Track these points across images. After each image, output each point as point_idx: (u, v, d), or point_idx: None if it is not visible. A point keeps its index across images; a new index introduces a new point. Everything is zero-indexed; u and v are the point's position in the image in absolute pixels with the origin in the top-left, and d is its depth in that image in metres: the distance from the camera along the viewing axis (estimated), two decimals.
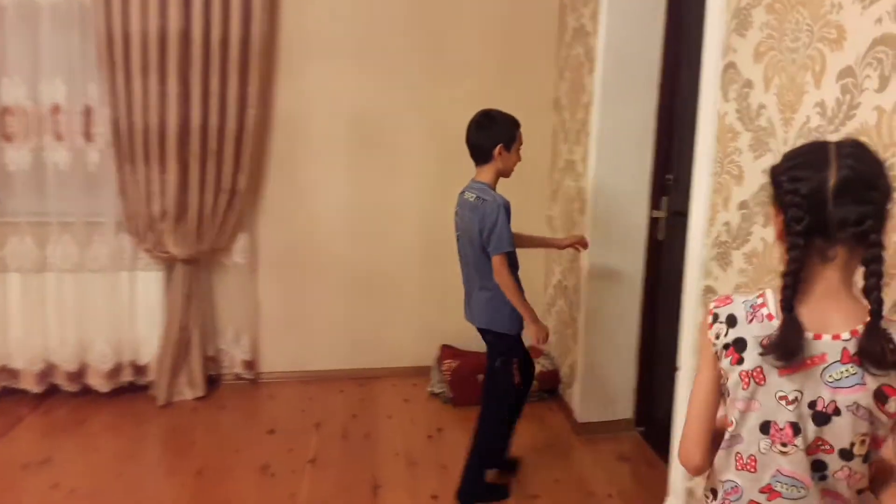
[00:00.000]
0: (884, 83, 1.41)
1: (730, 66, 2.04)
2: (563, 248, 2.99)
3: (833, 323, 1.09)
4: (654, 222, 3.11)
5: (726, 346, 1.16)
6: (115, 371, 3.59)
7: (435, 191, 3.80)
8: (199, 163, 3.47)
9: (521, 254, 2.60)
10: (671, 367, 2.88)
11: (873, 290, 1.05)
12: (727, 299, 1.20)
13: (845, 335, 1.07)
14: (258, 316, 3.80)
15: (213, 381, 3.77)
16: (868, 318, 1.06)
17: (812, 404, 1.09)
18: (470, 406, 3.49)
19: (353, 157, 3.74)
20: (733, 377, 1.15)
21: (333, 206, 3.77)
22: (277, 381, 3.83)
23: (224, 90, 3.44)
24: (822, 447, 1.10)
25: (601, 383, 3.27)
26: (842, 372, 1.07)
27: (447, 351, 3.75)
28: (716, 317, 1.19)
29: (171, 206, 3.48)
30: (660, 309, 3.12)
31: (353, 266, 3.82)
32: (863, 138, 1.46)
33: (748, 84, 1.94)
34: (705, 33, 2.14)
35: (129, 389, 3.61)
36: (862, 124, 1.47)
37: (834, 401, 1.08)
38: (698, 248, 2.17)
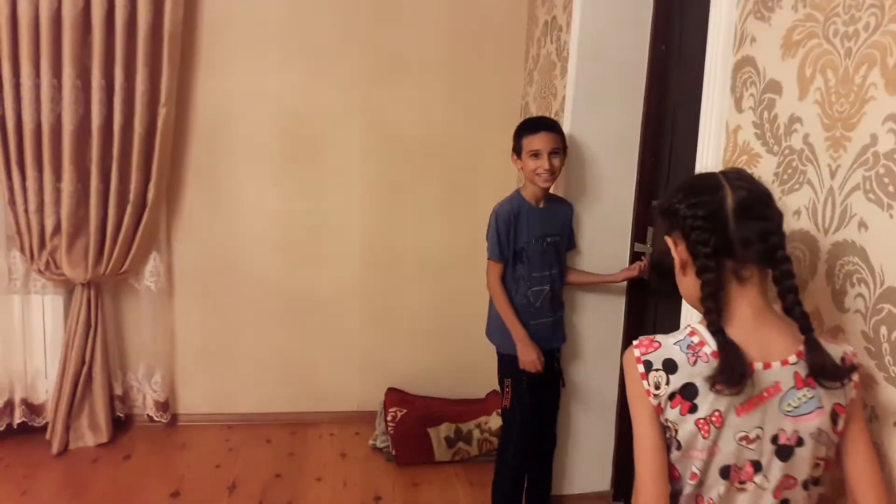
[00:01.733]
0: None
1: (745, 63, 1.51)
2: (621, 281, 2.57)
3: (776, 348, 1.06)
4: (637, 258, 2.56)
5: (672, 396, 1.06)
6: (4, 410, 3.04)
7: (380, 206, 3.29)
8: (99, 169, 2.93)
9: None
10: None
11: (795, 306, 1.05)
12: (653, 343, 1.10)
13: (792, 359, 1.05)
14: (174, 349, 3.26)
15: (121, 424, 3.24)
16: (802, 337, 1.05)
17: (774, 439, 1.05)
18: (417, 466, 2.97)
19: (285, 166, 3.21)
20: (687, 428, 1.06)
21: (262, 223, 3.23)
22: (196, 424, 3.29)
23: (130, 85, 2.91)
24: (788, 483, 1.07)
25: (575, 449, 2.71)
26: (799, 398, 1.04)
27: (393, 396, 3.21)
28: (648, 365, 1.09)
29: (66, 220, 2.94)
30: None
31: (285, 292, 3.28)
32: None
33: (773, 87, 1.40)
34: (710, 18, 1.61)
35: (21, 431, 3.06)
36: None
37: (796, 430, 1.05)
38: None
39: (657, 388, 1.07)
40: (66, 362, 3.03)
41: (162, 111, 2.93)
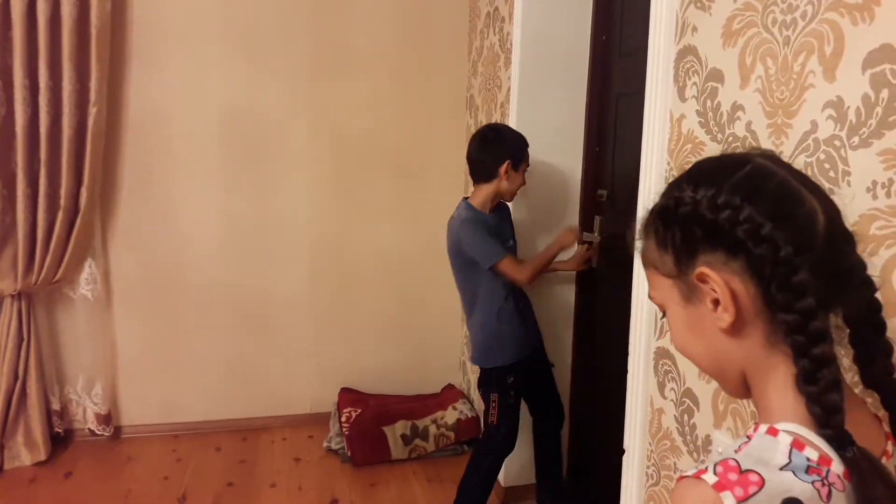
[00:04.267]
0: None
1: (687, 52, 1.51)
2: (572, 270, 2.58)
3: (869, 439, 0.66)
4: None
5: None
6: None
7: (329, 204, 3.23)
8: (26, 173, 2.77)
9: None
10: (608, 422, 2.40)
11: (887, 374, 0.69)
12: (747, 477, 0.59)
13: (890, 448, 0.70)
14: (115, 359, 3.13)
15: (61, 440, 3.08)
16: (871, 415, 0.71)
17: None
18: (374, 466, 2.93)
19: (228, 165, 3.11)
20: None
21: (205, 224, 3.12)
22: (141, 435, 3.16)
23: (57, 84, 2.76)
24: None
25: (530, 439, 2.72)
26: None
27: (347, 396, 3.16)
28: None
29: None
30: (596, 353, 2.61)
31: (231, 295, 3.18)
32: None
33: (715, 76, 1.41)
34: (651, 7, 1.61)
35: None
36: None
37: None
38: (645, 296, 1.66)
39: None
40: None
41: (92, 111, 2.80)
